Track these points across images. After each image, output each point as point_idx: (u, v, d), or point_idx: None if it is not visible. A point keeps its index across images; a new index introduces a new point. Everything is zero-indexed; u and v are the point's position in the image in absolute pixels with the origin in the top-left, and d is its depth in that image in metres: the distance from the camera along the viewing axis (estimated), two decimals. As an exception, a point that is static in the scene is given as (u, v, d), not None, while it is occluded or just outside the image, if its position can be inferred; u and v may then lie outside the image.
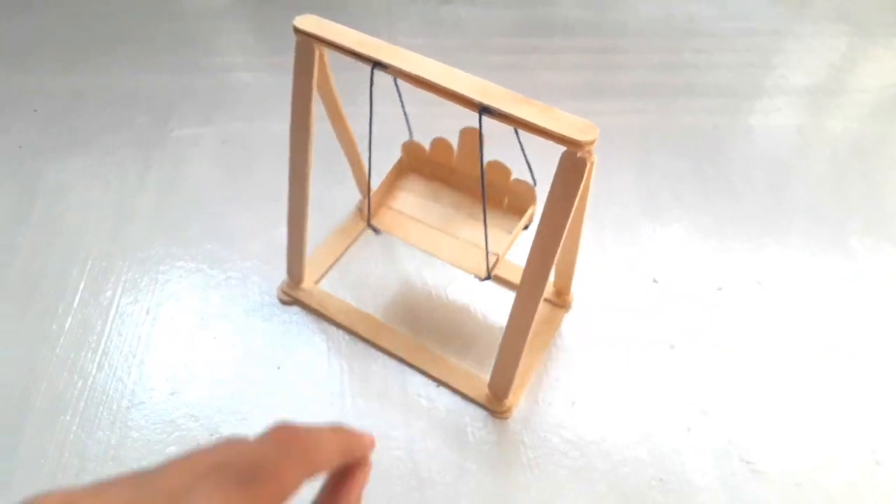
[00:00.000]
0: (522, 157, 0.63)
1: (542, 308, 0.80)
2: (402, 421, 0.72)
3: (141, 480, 0.24)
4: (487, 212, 0.66)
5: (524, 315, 0.63)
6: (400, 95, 0.67)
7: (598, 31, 1.27)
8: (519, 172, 0.70)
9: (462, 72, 0.57)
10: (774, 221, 0.94)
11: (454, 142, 0.74)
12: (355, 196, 0.88)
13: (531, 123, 0.52)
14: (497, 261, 0.68)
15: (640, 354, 0.78)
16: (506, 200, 0.73)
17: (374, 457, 0.66)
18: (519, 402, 0.73)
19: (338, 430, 0.32)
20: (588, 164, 0.53)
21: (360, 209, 0.77)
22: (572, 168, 0.53)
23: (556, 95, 1.13)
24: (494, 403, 0.72)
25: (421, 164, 0.78)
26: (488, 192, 0.69)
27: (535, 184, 0.69)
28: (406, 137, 0.77)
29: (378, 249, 0.87)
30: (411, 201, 0.76)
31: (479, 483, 0.68)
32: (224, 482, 0.24)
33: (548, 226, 0.57)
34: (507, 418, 0.72)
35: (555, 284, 0.80)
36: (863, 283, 0.87)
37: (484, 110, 0.54)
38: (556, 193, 0.55)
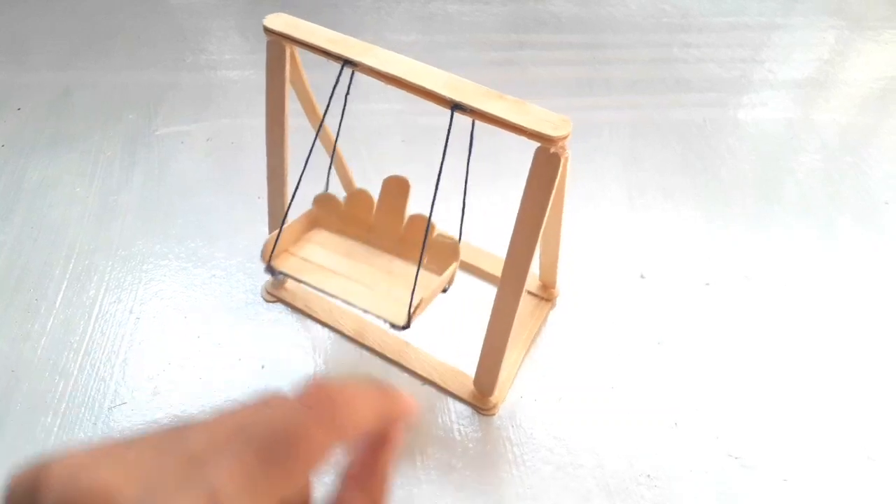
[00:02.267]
0: (473, 168, 0.60)
1: (527, 302, 0.79)
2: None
3: (162, 442, 0.22)
4: (407, 269, 0.62)
5: (506, 310, 0.62)
6: (341, 119, 0.64)
7: (588, 26, 1.27)
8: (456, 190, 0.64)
9: (435, 69, 0.56)
10: (762, 215, 0.94)
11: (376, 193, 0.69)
12: (340, 193, 0.88)
13: (503, 119, 0.51)
14: (418, 308, 0.61)
15: (627, 350, 0.78)
16: (426, 258, 0.67)
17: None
18: (505, 398, 0.73)
19: (377, 390, 0.28)
20: (562, 160, 0.52)
21: (263, 256, 0.68)
22: (546, 163, 0.53)
23: (546, 90, 1.13)
24: (480, 400, 0.71)
25: (334, 218, 0.72)
26: (409, 249, 0.65)
27: (460, 239, 0.65)
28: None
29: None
30: (319, 253, 0.69)
31: (464, 479, 0.68)
32: (246, 452, 0.22)
33: (525, 222, 0.57)
34: (492, 415, 0.71)
35: (540, 278, 0.79)
36: (851, 277, 0.87)
37: (456, 107, 0.53)
38: (531, 189, 0.55)
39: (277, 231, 0.66)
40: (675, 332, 0.79)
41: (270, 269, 0.66)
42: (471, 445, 0.70)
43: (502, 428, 0.71)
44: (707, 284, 0.84)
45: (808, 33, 1.28)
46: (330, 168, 0.69)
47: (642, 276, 0.85)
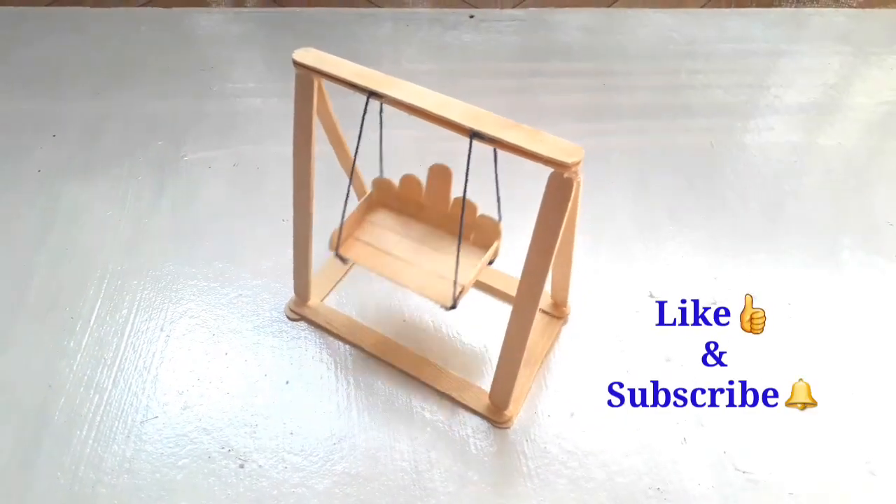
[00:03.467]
0: (493, 189, 0.65)
1: (540, 320, 0.82)
2: (406, 433, 0.75)
3: None
4: (455, 246, 0.68)
5: (520, 328, 0.65)
6: (381, 132, 0.70)
7: (598, 54, 1.31)
8: (486, 207, 0.73)
9: (455, 99, 0.60)
10: (767, 237, 0.96)
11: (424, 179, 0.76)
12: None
13: (519, 147, 0.55)
14: (462, 291, 0.69)
15: (636, 366, 0.80)
16: (472, 235, 0.75)
17: (380, 468, 0.68)
18: (519, 412, 0.75)
19: None
20: (574, 185, 0.56)
21: (331, 244, 0.77)
22: (560, 188, 0.56)
23: (557, 117, 1.17)
24: (495, 414, 0.74)
25: (390, 199, 0.80)
26: (455, 227, 0.71)
27: (500, 219, 0.72)
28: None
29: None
30: (379, 234, 0.78)
31: (480, 492, 0.70)
32: None
33: (539, 243, 0.60)
34: (507, 428, 0.74)
35: (552, 297, 0.83)
36: (854, 297, 0.89)
37: (474, 135, 0.57)
38: (545, 212, 0.58)
39: (340, 223, 0.75)
40: (682, 350, 0.82)
41: (339, 257, 0.76)
42: (486, 459, 0.73)
43: (517, 442, 0.74)
44: (714, 303, 0.87)
45: (813, 59, 1.31)
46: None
47: (651, 295, 0.88)
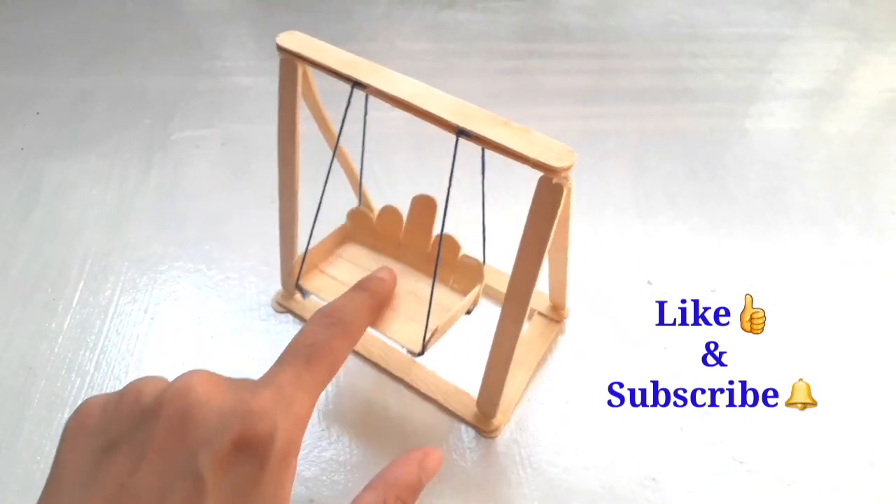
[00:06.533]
0: (485, 192, 0.60)
1: (537, 323, 0.80)
2: (397, 422, 0.73)
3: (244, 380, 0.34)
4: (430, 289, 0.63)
5: (507, 336, 0.63)
6: (364, 134, 0.67)
7: (597, 35, 1.28)
8: (474, 214, 0.66)
9: (443, 93, 0.56)
10: (768, 223, 0.95)
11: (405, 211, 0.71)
12: (353, 203, 0.89)
13: (506, 147, 0.51)
14: (433, 336, 0.62)
15: (633, 354, 0.79)
16: (451, 279, 0.69)
17: (368, 455, 0.67)
18: (508, 420, 0.73)
19: (364, 289, 0.46)
20: (565, 190, 0.52)
21: (291, 274, 0.71)
22: (549, 193, 0.53)
23: (554, 99, 1.14)
24: (482, 422, 0.72)
25: (365, 234, 0.74)
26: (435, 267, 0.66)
27: (484, 262, 0.66)
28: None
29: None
30: (348, 270, 0.71)
31: (470, 480, 0.69)
32: (295, 360, 0.35)
33: (527, 251, 0.57)
34: (494, 437, 0.72)
35: (550, 300, 0.80)
36: (855, 285, 0.87)
37: (461, 132, 0.54)
38: (533, 219, 0.55)
39: (304, 252, 0.68)
40: (679, 338, 0.80)
41: (299, 289, 0.68)
42: (476, 447, 0.71)
43: (510, 429, 0.72)
44: (713, 291, 0.85)
45: (816, 44, 1.29)
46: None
47: (649, 283, 0.86)
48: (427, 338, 0.62)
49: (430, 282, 0.63)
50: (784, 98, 1.16)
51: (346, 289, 0.68)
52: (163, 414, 0.29)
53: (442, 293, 0.67)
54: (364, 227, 0.74)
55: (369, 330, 0.77)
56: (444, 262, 0.66)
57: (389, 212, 0.72)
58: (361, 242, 0.74)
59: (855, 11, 1.37)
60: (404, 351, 0.62)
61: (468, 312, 0.67)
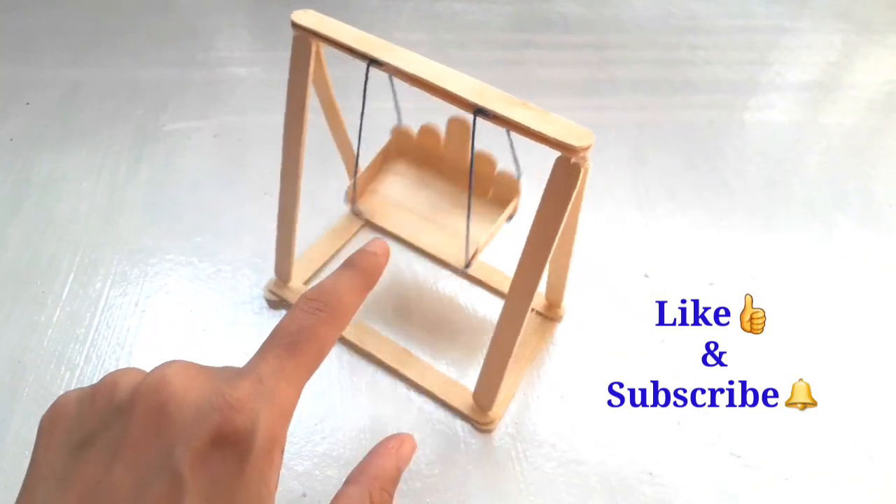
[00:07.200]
0: (508, 150, 0.62)
1: (532, 320, 0.79)
2: (391, 414, 0.72)
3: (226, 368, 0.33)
4: (472, 202, 0.66)
5: (511, 329, 0.62)
6: (393, 87, 0.67)
7: (594, 26, 1.27)
8: (503, 163, 0.71)
9: (459, 72, 0.56)
10: (767, 216, 0.94)
11: (443, 130, 0.74)
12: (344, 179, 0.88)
13: (526, 127, 0.51)
14: (476, 253, 0.67)
15: (630, 349, 0.78)
16: (490, 191, 0.73)
17: (363, 450, 0.66)
18: (503, 415, 0.72)
19: (353, 267, 0.39)
20: (582, 171, 0.52)
21: (347, 198, 0.75)
22: (566, 174, 0.52)
23: (552, 90, 1.13)
24: (478, 415, 0.71)
25: (409, 149, 0.78)
26: (476, 183, 0.69)
27: (518, 177, 0.69)
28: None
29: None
30: (398, 185, 0.76)
31: (467, 475, 0.68)
32: (277, 347, 0.32)
33: (538, 233, 0.56)
34: (490, 431, 0.71)
35: (546, 297, 0.79)
36: (855, 279, 0.87)
37: (478, 111, 0.53)
38: (548, 197, 0.54)
39: (354, 176, 0.74)
40: (677, 332, 0.79)
41: (356, 211, 0.76)
42: (474, 441, 0.70)
43: (506, 423, 0.72)
44: (711, 284, 0.84)
45: (815, 37, 1.28)
46: (397, 105, 0.73)
47: (646, 276, 0.85)
48: (470, 255, 0.67)
49: (469, 195, 0.66)
50: (783, 90, 1.15)
51: (398, 210, 0.75)
52: (137, 409, 0.28)
53: (482, 206, 0.71)
54: (408, 143, 0.78)
55: (370, 327, 0.77)
56: (482, 176, 0.70)
57: (428, 130, 0.75)
58: (407, 157, 0.79)
59: (855, 4, 1.35)
60: (448, 268, 0.71)
61: (509, 219, 0.72)
